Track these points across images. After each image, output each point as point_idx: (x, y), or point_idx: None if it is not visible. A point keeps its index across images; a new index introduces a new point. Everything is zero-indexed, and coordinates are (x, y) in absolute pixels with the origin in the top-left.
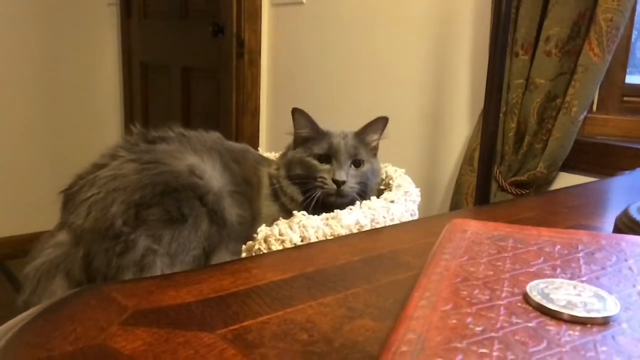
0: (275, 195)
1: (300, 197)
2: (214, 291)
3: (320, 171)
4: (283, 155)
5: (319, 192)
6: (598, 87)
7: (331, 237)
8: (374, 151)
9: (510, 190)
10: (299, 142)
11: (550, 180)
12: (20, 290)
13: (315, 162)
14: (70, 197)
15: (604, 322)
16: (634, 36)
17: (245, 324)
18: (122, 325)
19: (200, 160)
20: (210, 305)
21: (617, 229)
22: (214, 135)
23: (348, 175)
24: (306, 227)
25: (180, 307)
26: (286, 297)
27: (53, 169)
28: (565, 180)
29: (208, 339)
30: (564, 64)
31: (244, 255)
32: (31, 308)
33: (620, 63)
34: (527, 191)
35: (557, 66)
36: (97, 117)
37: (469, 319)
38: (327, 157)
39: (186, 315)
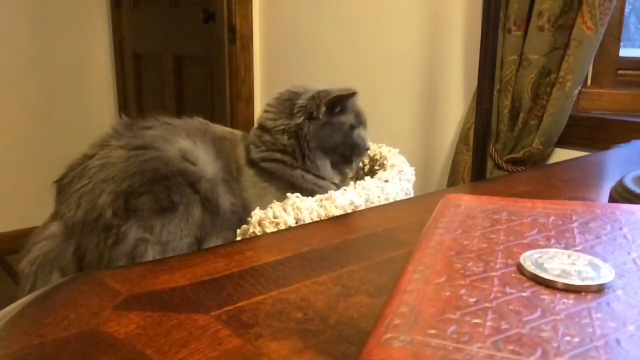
0: (269, 174)
1: (331, 174)
2: (207, 274)
3: (362, 142)
4: (290, 132)
5: (355, 164)
6: (592, 61)
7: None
8: None
9: (506, 168)
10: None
11: (545, 157)
12: (18, 286)
13: (351, 132)
14: (62, 188)
15: (598, 290)
16: (627, 9)
17: (239, 304)
18: (115, 310)
19: (193, 145)
20: (204, 287)
21: (612, 199)
22: (197, 122)
23: None
24: (300, 209)
25: (174, 290)
26: (280, 277)
27: (50, 161)
28: (561, 155)
29: (202, 321)
30: (557, 39)
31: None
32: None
33: (614, 36)
34: (523, 168)
35: (550, 41)
36: (92, 109)
37: (463, 291)
38: (356, 127)
39: (180, 298)
